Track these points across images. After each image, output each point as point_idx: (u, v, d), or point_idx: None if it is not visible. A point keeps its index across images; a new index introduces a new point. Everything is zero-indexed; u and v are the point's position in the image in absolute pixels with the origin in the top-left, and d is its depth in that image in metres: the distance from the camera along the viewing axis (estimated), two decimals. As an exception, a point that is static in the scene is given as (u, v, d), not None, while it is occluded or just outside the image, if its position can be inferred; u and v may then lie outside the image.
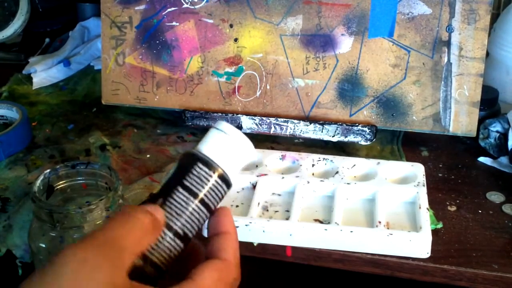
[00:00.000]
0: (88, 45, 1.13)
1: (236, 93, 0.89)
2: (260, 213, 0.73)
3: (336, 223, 0.70)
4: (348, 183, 0.76)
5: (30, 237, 0.66)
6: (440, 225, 0.73)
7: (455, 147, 0.89)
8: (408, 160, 0.85)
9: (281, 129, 0.87)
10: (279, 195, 0.76)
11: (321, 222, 0.72)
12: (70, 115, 0.98)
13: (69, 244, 0.39)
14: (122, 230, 0.40)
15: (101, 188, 0.69)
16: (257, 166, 0.79)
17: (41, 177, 0.67)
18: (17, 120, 0.89)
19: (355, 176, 0.79)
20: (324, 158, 0.81)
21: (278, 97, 0.88)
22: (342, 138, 0.86)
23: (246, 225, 0.69)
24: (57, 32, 1.23)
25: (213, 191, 0.46)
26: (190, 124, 0.90)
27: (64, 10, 1.27)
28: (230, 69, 0.89)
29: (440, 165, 0.85)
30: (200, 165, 0.46)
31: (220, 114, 0.88)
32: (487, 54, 0.95)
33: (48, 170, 0.68)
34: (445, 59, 0.84)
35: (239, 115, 0.88)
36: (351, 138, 0.86)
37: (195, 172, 0.46)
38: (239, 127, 0.88)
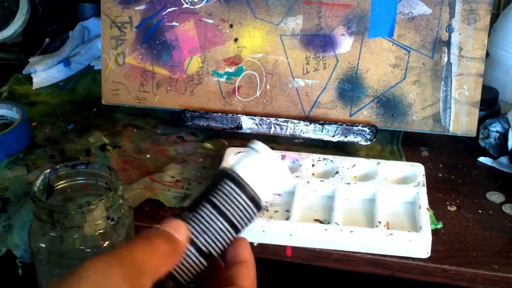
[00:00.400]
0: (88, 45, 1.13)
1: (236, 93, 0.89)
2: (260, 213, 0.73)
3: (336, 223, 0.70)
4: (348, 183, 0.76)
5: (30, 237, 0.66)
6: (440, 225, 0.73)
7: (455, 147, 0.89)
8: (408, 160, 0.85)
9: (281, 129, 0.87)
10: (279, 195, 0.76)
11: (321, 222, 0.72)
12: (70, 115, 0.98)
13: (92, 258, 0.39)
14: (143, 255, 0.41)
15: (101, 188, 0.69)
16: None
17: (41, 177, 0.67)
18: (17, 120, 0.89)
19: (355, 176, 0.79)
20: (324, 158, 0.81)
21: (278, 97, 0.88)
22: (342, 138, 0.86)
23: (246, 225, 0.69)
24: (57, 32, 1.23)
25: (242, 212, 0.45)
26: (190, 124, 0.90)
27: (64, 10, 1.27)
28: (230, 69, 0.89)
29: (440, 165, 0.85)
30: (231, 184, 0.45)
31: (220, 114, 0.88)
32: (487, 54, 0.95)
33: (48, 170, 0.68)
34: (445, 59, 0.84)
35: (239, 115, 0.88)
36: (351, 138, 0.86)
37: (224, 191, 0.45)
38: (239, 127, 0.88)
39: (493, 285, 0.68)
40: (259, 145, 0.46)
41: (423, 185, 0.76)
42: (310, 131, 0.87)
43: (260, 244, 0.71)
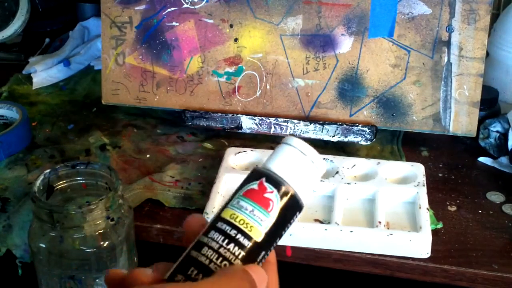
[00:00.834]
0: (88, 45, 1.13)
1: (236, 93, 0.89)
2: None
3: (336, 223, 0.70)
4: (348, 183, 0.76)
5: (30, 237, 0.66)
6: (440, 225, 0.73)
7: (455, 147, 0.89)
8: (408, 160, 0.85)
9: (281, 129, 0.87)
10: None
11: (321, 222, 0.72)
12: (70, 115, 0.98)
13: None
14: None
15: (101, 188, 0.69)
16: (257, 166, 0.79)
17: (41, 177, 0.67)
18: (17, 120, 0.89)
19: (355, 176, 0.79)
20: (324, 158, 0.81)
21: (278, 97, 0.88)
22: (342, 138, 0.86)
23: (246, 225, 0.69)
24: (57, 32, 1.23)
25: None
26: (190, 124, 0.90)
27: (64, 10, 1.27)
28: (230, 69, 0.89)
29: (440, 165, 0.85)
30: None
31: (220, 114, 0.88)
32: (487, 54, 0.95)
33: (48, 170, 0.68)
34: (445, 59, 0.84)
35: (239, 115, 0.88)
36: (351, 138, 0.86)
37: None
38: (239, 127, 0.88)
39: (493, 285, 0.68)
40: (294, 140, 0.43)
41: (423, 185, 0.76)
42: (310, 131, 0.87)
43: (260, 244, 0.71)
